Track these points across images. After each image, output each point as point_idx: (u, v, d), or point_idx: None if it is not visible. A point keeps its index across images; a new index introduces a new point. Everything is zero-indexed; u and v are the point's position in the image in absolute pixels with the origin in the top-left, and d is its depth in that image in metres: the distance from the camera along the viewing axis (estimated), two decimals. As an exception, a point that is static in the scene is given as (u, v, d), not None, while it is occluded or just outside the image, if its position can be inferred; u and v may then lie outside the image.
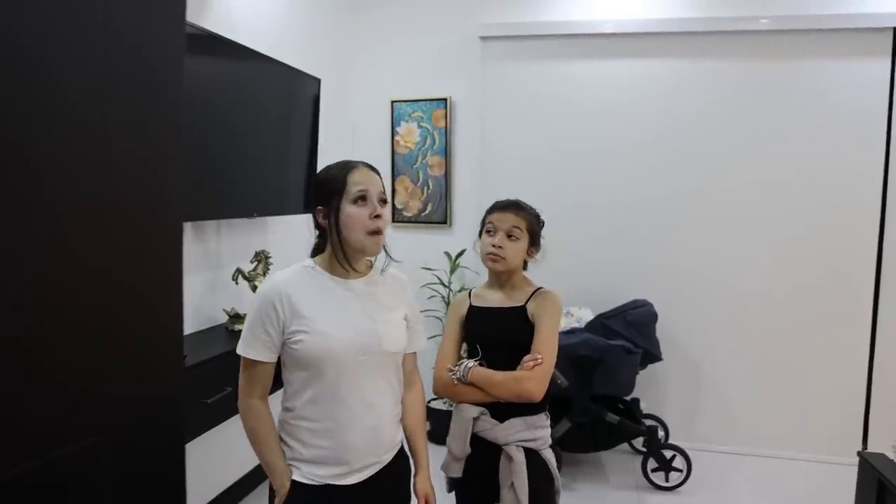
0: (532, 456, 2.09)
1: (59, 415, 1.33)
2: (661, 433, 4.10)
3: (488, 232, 2.20)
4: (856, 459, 2.68)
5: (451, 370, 2.13)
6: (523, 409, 2.09)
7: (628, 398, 3.96)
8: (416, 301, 1.97)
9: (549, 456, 2.15)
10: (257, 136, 3.23)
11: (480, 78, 4.53)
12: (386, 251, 1.83)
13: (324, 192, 1.75)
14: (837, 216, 4.15)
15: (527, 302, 2.16)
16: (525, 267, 2.27)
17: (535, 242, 2.23)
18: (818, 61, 4.10)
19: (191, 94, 2.63)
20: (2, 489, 1.22)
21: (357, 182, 1.71)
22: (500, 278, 2.22)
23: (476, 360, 2.11)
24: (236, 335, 2.94)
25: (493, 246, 2.15)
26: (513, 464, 2.05)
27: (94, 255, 1.39)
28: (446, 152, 4.64)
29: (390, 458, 1.82)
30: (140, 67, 1.49)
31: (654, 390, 4.36)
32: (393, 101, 4.69)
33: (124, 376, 1.51)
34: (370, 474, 1.76)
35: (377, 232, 1.71)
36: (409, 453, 1.93)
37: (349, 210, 1.70)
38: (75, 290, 1.36)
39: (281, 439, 1.76)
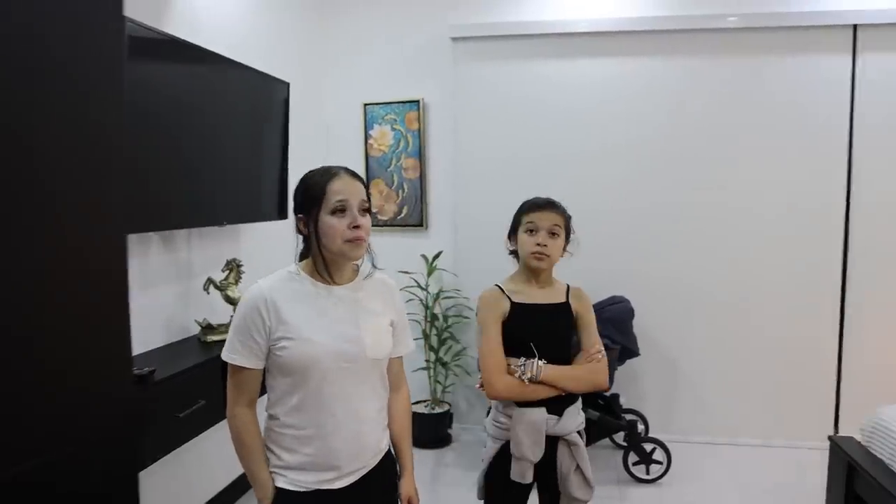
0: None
1: (4, 435, 1.30)
2: (640, 427, 4.13)
3: (530, 231, 2.24)
4: (827, 444, 2.72)
5: (516, 371, 2.15)
6: (571, 397, 2.21)
7: (608, 394, 3.97)
8: (403, 305, 1.97)
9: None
10: (226, 143, 3.19)
11: (453, 79, 4.52)
12: (372, 260, 1.84)
13: (303, 201, 1.74)
14: (804, 211, 4.22)
15: (568, 298, 2.28)
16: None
17: (568, 239, 2.31)
18: (784, 59, 4.17)
19: (156, 100, 2.61)
20: None
21: (336, 192, 1.69)
22: (538, 275, 2.27)
23: (539, 359, 2.14)
24: (209, 346, 2.93)
25: (538, 245, 2.20)
26: (576, 449, 2.18)
27: (27, 272, 1.35)
28: (420, 154, 4.63)
29: (377, 463, 1.82)
30: (68, 73, 1.44)
31: (632, 385, 4.39)
32: (365, 104, 4.67)
33: (69, 394, 1.48)
34: (357, 478, 1.76)
35: (357, 240, 1.69)
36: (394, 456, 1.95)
37: (328, 220, 1.69)
38: (20, 306, 1.33)
39: (266, 447, 1.75)
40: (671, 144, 4.30)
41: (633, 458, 3.82)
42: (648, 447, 3.82)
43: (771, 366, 4.32)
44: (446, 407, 4.52)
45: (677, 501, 3.60)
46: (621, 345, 3.81)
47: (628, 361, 4.01)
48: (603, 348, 2.24)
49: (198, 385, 2.60)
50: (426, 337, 4.48)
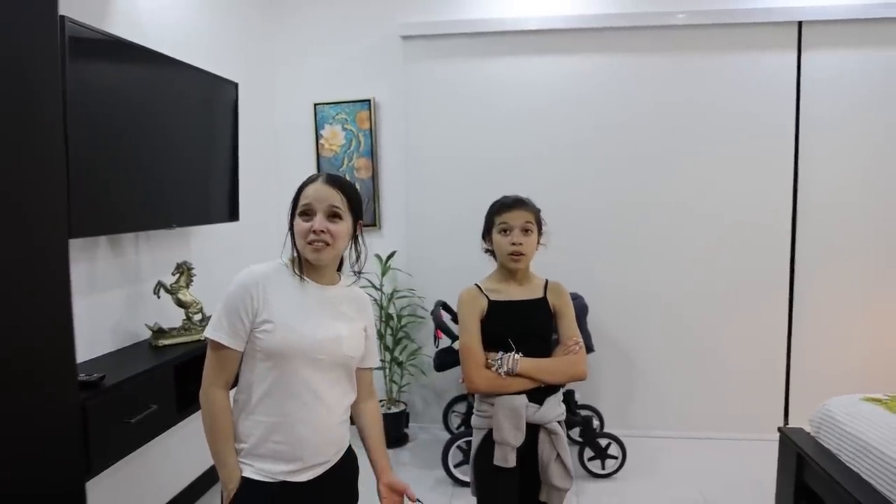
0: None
1: None
2: (595, 422, 4.17)
3: (503, 231, 2.31)
4: (777, 436, 2.78)
5: (493, 364, 2.23)
6: (553, 387, 2.29)
7: (563, 390, 3.99)
8: (373, 318, 2.02)
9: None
10: (175, 144, 3.13)
11: (403, 78, 4.52)
12: (357, 267, 1.92)
13: (291, 202, 1.83)
14: (752, 209, 4.32)
15: (545, 293, 2.36)
16: None
17: (541, 232, 2.38)
18: (731, 56, 4.25)
19: (102, 102, 2.55)
20: None
21: (306, 196, 1.79)
22: (515, 273, 2.35)
23: (516, 353, 2.22)
24: (161, 350, 2.88)
25: (513, 244, 2.28)
26: (557, 438, 2.24)
27: None
28: (372, 154, 4.61)
29: (338, 460, 1.86)
30: (13, 85, 1.41)
31: (587, 381, 4.35)
32: (316, 104, 4.63)
33: (9, 402, 1.43)
34: (320, 472, 1.80)
35: (314, 244, 1.75)
36: (361, 455, 1.97)
37: (297, 222, 1.79)
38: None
39: (237, 436, 1.77)
40: (620, 143, 4.36)
41: (588, 453, 3.86)
42: (603, 442, 3.86)
43: (723, 361, 4.41)
44: (402, 406, 4.51)
45: (633, 495, 3.65)
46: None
47: (583, 357, 4.05)
48: (581, 340, 2.32)
49: (149, 390, 2.55)
50: (381, 337, 4.46)
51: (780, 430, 2.78)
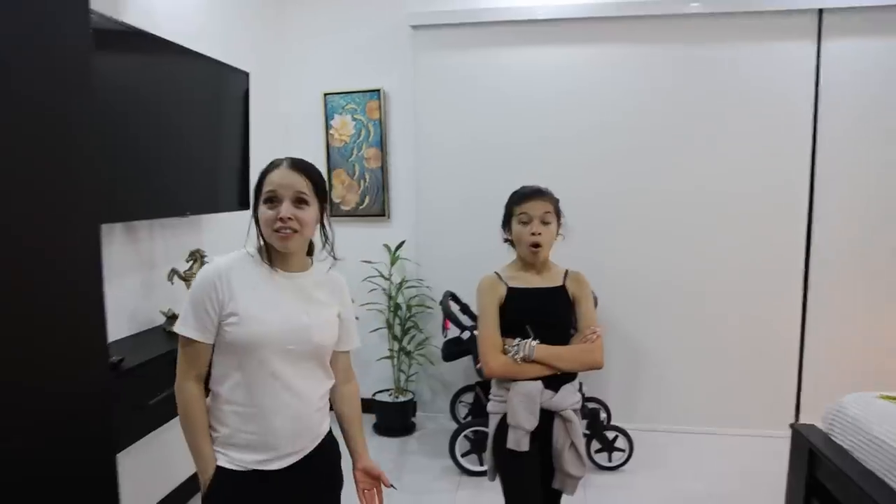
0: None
1: None
2: (603, 415, 4.18)
3: (523, 222, 2.33)
4: (789, 432, 2.77)
5: (510, 350, 2.26)
6: (565, 377, 2.30)
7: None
8: (351, 303, 1.99)
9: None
10: (187, 133, 3.15)
11: (413, 68, 4.52)
12: (331, 248, 1.88)
13: (254, 190, 1.80)
14: (768, 199, 4.27)
15: (564, 281, 2.39)
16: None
17: (560, 222, 2.40)
18: (748, 45, 4.19)
19: (115, 91, 2.56)
20: None
21: (270, 182, 1.75)
22: (535, 262, 2.36)
23: (534, 339, 2.24)
24: (175, 336, 2.89)
25: (533, 234, 2.30)
26: (571, 425, 2.27)
27: (8, 263, 1.33)
28: (382, 144, 4.62)
29: (315, 446, 1.86)
30: (43, 68, 1.42)
31: (595, 374, 4.38)
32: (326, 94, 4.64)
33: (47, 380, 1.46)
34: (296, 460, 1.80)
35: (281, 231, 1.72)
36: (338, 440, 1.97)
37: (261, 209, 1.75)
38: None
39: (209, 424, 1.78)
40: (633, 132, 4.33)
41: (595, 445, 3.86)
42: (611, 435, 3.88)
43: (733, 355, 4.39)
44: (410, 395, 4.53)
45: (640, 488, 3.66)
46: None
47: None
48: (598, 329, 2.32)
49: (165, 374, 2.56)
50: (389, 326, 4.48)
51: (791, 426, 2.78)
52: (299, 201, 1.74)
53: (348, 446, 1.97)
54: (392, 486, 1.93)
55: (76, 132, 1.56)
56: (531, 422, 2.22)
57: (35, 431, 1.46)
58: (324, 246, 1.88)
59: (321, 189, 1.81)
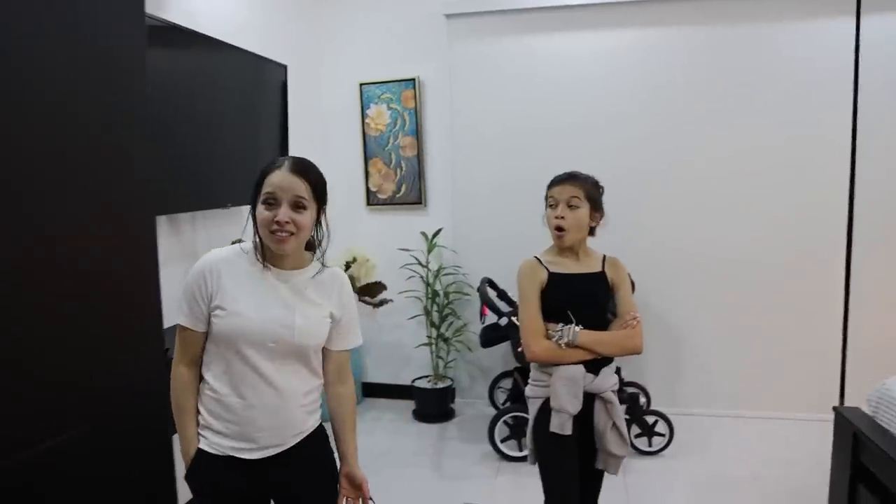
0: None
1: (50, 408, 1.35)
2: (642, 400, 4.17)
3: (550, 206, 2.36)
4: (832, 416, 2.74)
5: (553, 335, 2.27)
6: (606, 360, 2.32)
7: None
8: (353, 301, 1.99)
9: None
10: (227, 126, 3.21)
11: (448, 56, 4.52)
12: (321, 251, 1.90)
13: (253, 187, 1.81)
14: (809, 179, 4.19)
15: (603, 267, 2.39)
16: (593, 233, 2.43)
17: (596, 207, 2.38)
18: (786, 23, 4.11)
19: (157, 86, 2.61)
20: (3, 475, 1.25)
21: (269, 183, 1.75)
22: (561, 246, 2.37)
23: (576, 325, 2.26)
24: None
25: (556, 218, 2.31)
26: (612, 406, 2.29)
27: (72, 255, 1.39)
28: (417, 133, 4.64)
29: (297, 442, 1.87)
30: (105, 65, 1.47)
31: (634, 359, 4.38)
32: (361, 84, 4.67)
33: (109, 369, 1.52)
34: (276, 452, 1.83)
35: (277, 234, 1.73)
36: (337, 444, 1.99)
37: (259, 210, 1.76)
38: (58, 291, 1.36)
39: (198, 408, 1.84)
40: (671, 115, 4.29)
41: (635, 430, 3.86)
42: (650, 419, 3.87)
43: (775, 338, 4.32)
44: (448, 382, 4.57)
45: (680, 473, 3.65)
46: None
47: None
48: (638, 314, 2.33)
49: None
50: (427, 314, 4.52)
51: (835, 409, 2.74)
52: (297, 206, 1.75)
53: (338, 448, 1.98)
54: (371, 500, 1.95)
55: (134, 130, 1.61)
56: (575, 405, 2.24)
57: (101, 411, 1.53)
58: (318, 245, 1.89)
59: (320, 191, 1.82)
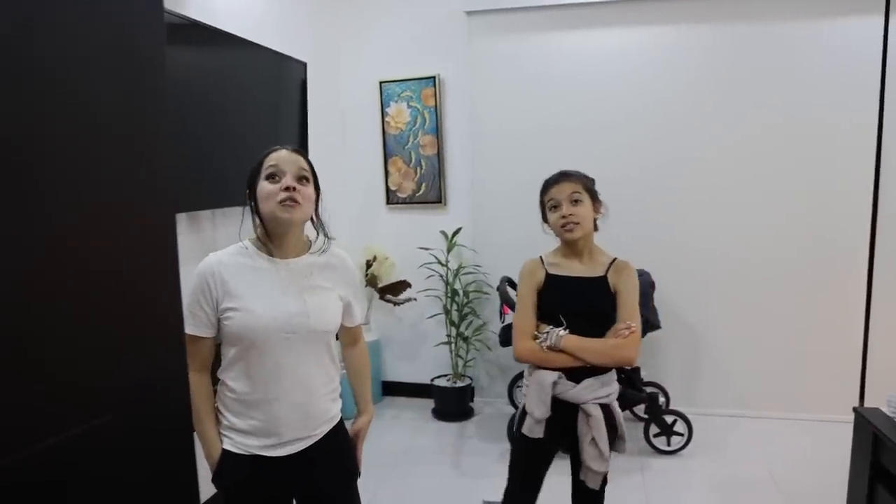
0: (604, 409, 2.25)
1: (74, 396, 1.37)
2: (661, 399, 4.15)
3: (553, 208, 2.31)
4: (852, 416, 2.71)
5: (539, 337, 2.24)
6: (596, 369, 2.23)
7: (629, 367, 3.99)
8: (357, 279, 2.03)
9: (616, 407, 2.31)
10: (247, 123, 3.23)
11: (468, 54, 4.52)
12: (323, 230, 1.92)
13: (249, 176, 1.84)
14: (831, 178, 4.13)
15: (607, 272, 2.29)
16: (596, 227, 2.37)
17: (596, 198, 2.36)
18: (812, 21, 4.05)
19: (177, 83, 2.64)
20: (26, 465, 1.27)
21: (271, 159, 1.79)
22: (576, 247, 2.32)
23: (564, 329, 2.21)
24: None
25: (564, 217, 2.26)
26: (591, 420, 2.20)
27: (96, 249, 1.41)
28: (437, 131, 4.64)
29: (324, 433, 1.90)
30: (126, 60, 1.49)
31: (653, 358, 4.40)
32: (381, 82, 4.68)
33: (133, 357, 1.54)
34: (302, 448, 1.84)
35: (288, 201, 1.74)
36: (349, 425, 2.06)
37: (262, 185, 1.78)
38: (83, 282, 1.39)
39: (218, 410, 1.85)
40: (693, 114, 4.25)
41: (653, 429, 3.85)
42: (669, 419, 3.85)
43: (795, 338, 4.28)
44: (468, 381, 4.57)
45: (699, 472, 3.63)
46: (642, 317, 3.80)
47: (649, 334, 4.01)
48: (635, 325, 2.22)
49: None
50: (447, 312, 4.52)
51: (855, 409, 2.72)
52: (301, 178, 1.79)
53: (355, 400, 2.11)
54: (357, 471, 2.02)
55: (154, 126, 1.64)
56: (541, 410, 2.21)
57: (122, 405, 1.56)
58: (317, 235, 1.91)
59: (317, 177, 1.86)
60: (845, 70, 4.04)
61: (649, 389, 4.04)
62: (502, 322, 4.02)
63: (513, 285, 4.12)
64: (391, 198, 4.79)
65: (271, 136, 3.48)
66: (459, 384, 4.52)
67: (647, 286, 3.97)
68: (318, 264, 1.89)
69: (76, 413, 1.39)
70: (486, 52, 4.48)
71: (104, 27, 1.44)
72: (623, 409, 3.90)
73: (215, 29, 2.92)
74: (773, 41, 4.12)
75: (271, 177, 1.77)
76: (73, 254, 1.37)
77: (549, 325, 2.25)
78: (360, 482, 2.04)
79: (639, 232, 4.32)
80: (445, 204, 4.73)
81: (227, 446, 1.81)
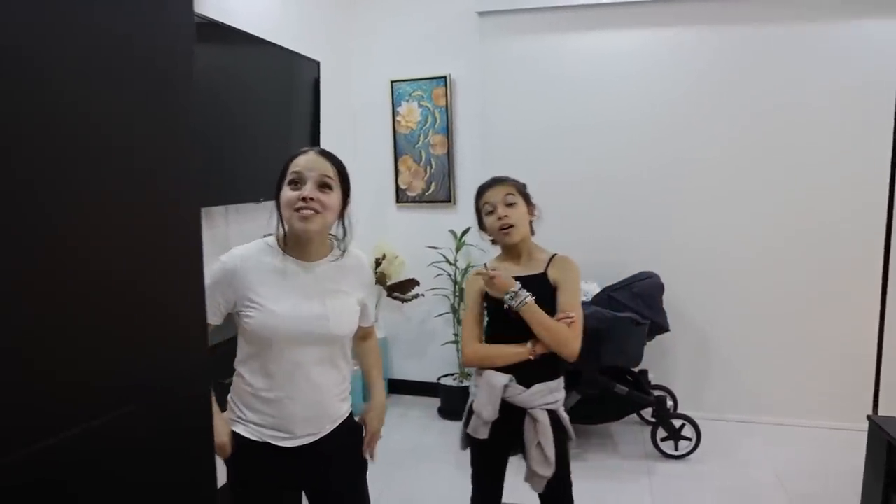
0: (551, 415, 2.27)
1: (100, 385, 1.38)
2: (669, 403, 4.15)
3: (488, 212, 2.34)
4: (866, 425, 2.70)
5: (507, 294, 2.20)
6: (545, 375, 2.26)
7: (636, 369, 3.99)
8: (373, 281, 2.07)
9: (564, 414, 2.35)
10: (260, 121, 3.25)
11: (479, 54, 4.51)
12: (346, 235, 1.91)
13: (278, 178, 1.84)
14: (845, 183, 4.11)
15: (546, 268, 2.31)
16: (532, 231, 2.39)
17: (529, 201, 2.38)
18: (827, 23, 4.03)
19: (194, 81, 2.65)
20: (50, 454, 1.28)
21: (296, 164, 1.78)
22: (515, 250, 2.35)
23: (531, 296, 2.20)
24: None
25: (500, 219, 2.28)
26: (539, 425, 2.23)
27: (119, 249, 1.41)
28: (448, 131, 4.64)
29: (332, 429, 1.91)
30: (151, 62, 1.49)
31: (662, 361, 4.39)
32: (392, 81, 4.68)
33: (156, 347, 1.55)
34: (311, 441, 1.87)
35: (303, 211, 1.73)
36: (364, 421, 2.08)
37: (284, 190, 1.78)
38: (111, 278, 1.39)
39: (231, 400, 1.87)
40: (704, 115, 4.23)
41: (661, 433, 3.84)
42: (677, 423, 3.84)
43: (805, 341, 4.25)
44: (474, 381, 4.56)
45: (706, 478, 3.62)
46: (651, 320, 3.81)
47: (657, 337, 4.02)
48: (576, 315, 2.22)
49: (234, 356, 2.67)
50: (455, 311, 4.52)
51: (869, 418, 2.71)
52: (324, 185, 1.76)
53: (368, 389, 2.13)
54: (370, 457, 2.04)
55: (182, 123, 1.65)
56: (489, 412, 2.22)
57: (147, 401, 1.57)
58: (343, 238, 1.90)
59: (346, 180, 1.84)
60: (858, 72, 4.02)
61: (657, 393, 4.05)
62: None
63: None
64: (401, 196, 4.79)
65: (284, 133, 3.49)
66: (466, 383, 4.51)
67: (655, 288, 3.97)
68: (340, 266, 1.89)
69: (102, 403, 1.40)
70: (496, 52, 4.48)
71: (137, 28, 1.46)
72: (630, 412, 3.96)
73: (230, 27, 2.93)
74: (785, 43, 4.10)
75: (293, 183, 1.76)
76: (97, 253, 1.38)
77: (500, 328, 2.30)
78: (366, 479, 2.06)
79: (649, 233, 4.31)
80: (455, 203, 4.73)
81: (240, 430, 1.83)
